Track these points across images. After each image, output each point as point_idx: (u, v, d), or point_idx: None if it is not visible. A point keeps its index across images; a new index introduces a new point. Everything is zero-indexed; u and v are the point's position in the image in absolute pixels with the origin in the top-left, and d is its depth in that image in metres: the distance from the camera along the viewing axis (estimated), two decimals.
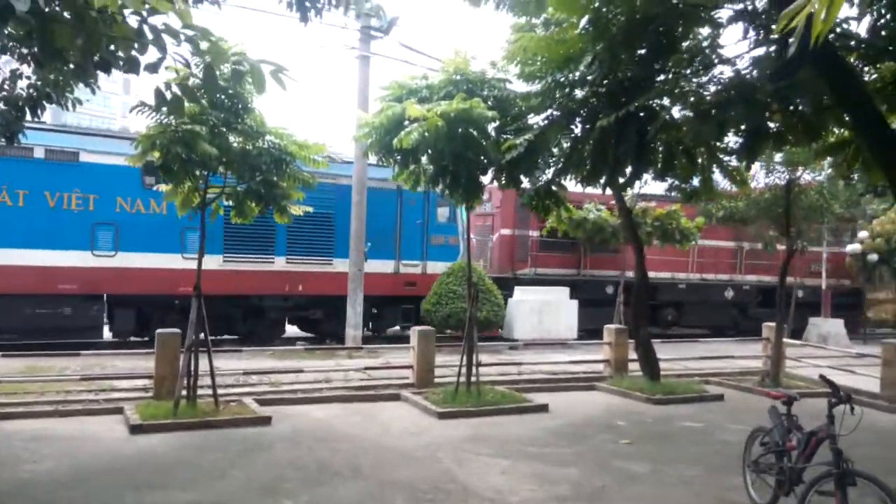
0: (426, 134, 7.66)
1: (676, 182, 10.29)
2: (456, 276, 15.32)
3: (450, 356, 10.61)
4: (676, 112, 8.05)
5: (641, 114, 7.73)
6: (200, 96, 7.19)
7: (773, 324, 12.31)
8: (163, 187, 7.73)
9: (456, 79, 8.57)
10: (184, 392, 7.45)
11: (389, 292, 15.32)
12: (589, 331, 15.38)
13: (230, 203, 7.86)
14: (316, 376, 10.03)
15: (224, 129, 7.41)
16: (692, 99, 7.47)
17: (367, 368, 10.03)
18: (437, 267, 15.82)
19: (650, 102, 7.57)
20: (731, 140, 9.11)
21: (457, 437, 6.99)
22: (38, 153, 12.19)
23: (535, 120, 8.81)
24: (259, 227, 12.36)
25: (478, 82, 8.62)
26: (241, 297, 13.80)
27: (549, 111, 8.49)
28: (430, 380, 9.58)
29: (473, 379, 8.66)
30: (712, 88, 8.02)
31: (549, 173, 8.67)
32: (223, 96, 7.43)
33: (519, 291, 16.24)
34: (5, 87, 6.65)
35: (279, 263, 14.17)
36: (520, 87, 8.84)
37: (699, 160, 8.71)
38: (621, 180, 9.09)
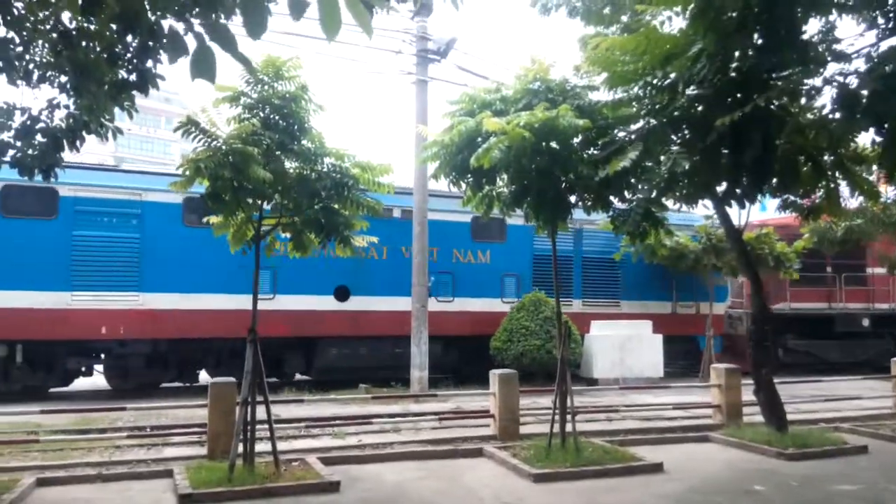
0: (509, 149, 6.63)
1: (790, 198, 9.08)
2: (527, 310, 14.15)
3: (526, 399, 9.39)
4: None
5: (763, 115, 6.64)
6: (254, 114, 6.46)
7: None
8: (213, 219, 6.89)
9: (534, 88, 7.56)
10: (240, 450, 6.50)
11: (663, 331, 15.57)
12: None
13: (287, 235, 6.96)
14: (383, 425, 8.98)
15: (279, 153, 6.58)
16: (833, 91, 6.21)
17: (441, 418, 8.88)
18: (702, 307, 16.57)
19: (769, 103, 6.40)
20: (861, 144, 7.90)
21: None
22: (396, 213, 13.78)
23: (624, 134, 7.73)
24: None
25: (559, 91, 7.58)
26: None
27: (645, 120, 7.38)
28: (515, 431, 8.38)
29: (569, 430, 7.43)
30: (826, 88, 6.82)
31: (646, 192, 7.46)
32: (277, 116, 6.61)
33: (596, 326, 14.89)
34: (42, 117, 6.01)
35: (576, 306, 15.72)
36: (602, 96, 7.78)
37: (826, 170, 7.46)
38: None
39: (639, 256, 15.43)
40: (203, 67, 2.44)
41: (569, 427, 7.45)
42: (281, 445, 7.72)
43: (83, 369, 12.56)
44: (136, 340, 12.20)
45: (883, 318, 18.26)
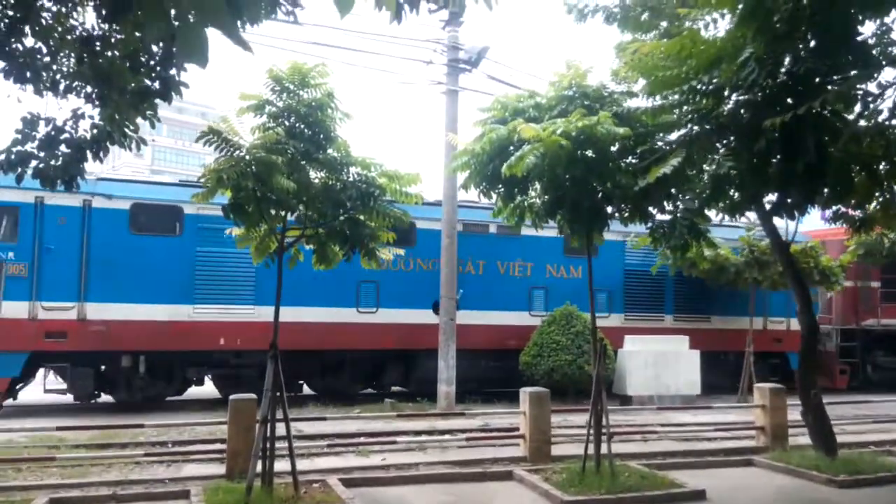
0: (544, 157, 6.30)
1: (841, 209, 8.60)
2: (558, 324, 13.73)
3: (557, 417, 8.98)
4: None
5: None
6: (279, 123, 6.24)
7: None
8: (235, 231, 6.68)
9: (570, 94, 7.23)
10: (259, 469, 6.23)
11: (757, 348, 15.46)
12: None
13: (311, 247, 6.71)
14: (409, 443, 8.66)
15: (303, 162, 6.34)
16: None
17: (468, 437, 8.52)
18: (791, 323, 16.49)
19: (822, 108, 5.98)
20: None
21: None
22: (492, 229, 14.30)
23: (666, 142, 7.36)
24: None
25: (596, 97, 7.24)
26: None
27: (689, 127, 7.00)
28: (547, 452, 7.99)
29: (604, 452, 7.03)
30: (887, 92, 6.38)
31: (689, 201, 7.06)
32: (302, 125, 6.38)
33: (630, 341, 14.39)
34: (67, 127, 5.88)
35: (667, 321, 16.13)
36: (640, 103, 7.41)
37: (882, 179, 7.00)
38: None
39: (677, 269, 14.98)
40: (190, 47, 2.14)
41: (604, 449, 7.06)
42: (302, 464, 7.48)
43: (195, 379, 13.11)
44: (250, 351, 12.50)
45: None
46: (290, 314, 11.71)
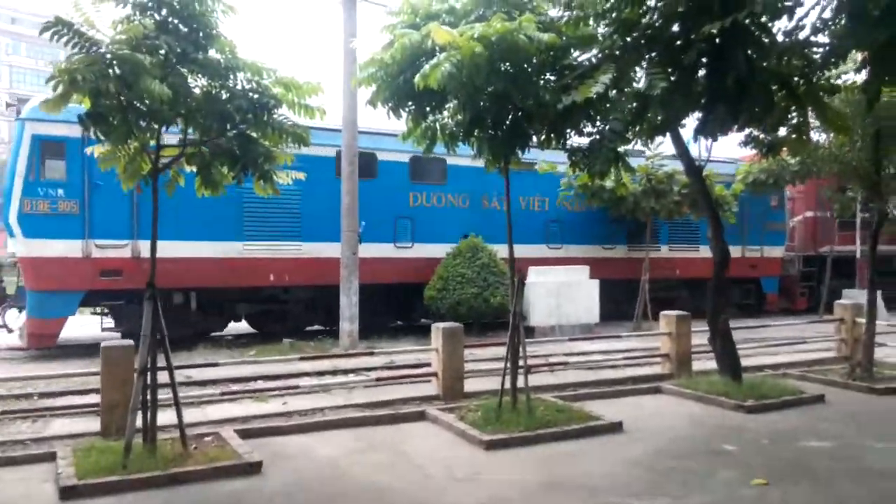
0: (461, 67, 5.59)
1: (753, 132, 8.49)
2: (464, 256, 13.37)
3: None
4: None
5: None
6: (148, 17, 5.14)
7: (848, 302, 10.64)
8: (98, 150, 5.58)
9: None
10: (139, 425, 5.41)
11: (735, 273, 16.17)
12: None
13: (193, 169, 5.73)
14: (312, 386, 8.03)
15: (180, 67, 5.29)
16: None
17: (377, 379, 7.98)
18: (772, 251, 18.32)
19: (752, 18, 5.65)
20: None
21: (522, 482, 5.04)
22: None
23: (586, 56, 6.84)
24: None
25: (517, 4, 6.53)
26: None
27: (611, 40, 6.49)
28: (460, 390, 7.62)
29: (520, 389, 6.71)
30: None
31: (616, 122, 6.59)
32: (176, 19, 5.30)
33: (534, 272, 14.28)
34: None
35: (664, 251, 17.13)
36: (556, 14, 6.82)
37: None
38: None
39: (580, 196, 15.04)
40: None
41: (520, 383, 6.73)
42: (192, 415, 6.72)
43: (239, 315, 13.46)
44: (297, 287, 13.13)
45: None
46: (334, 250, 12.40)
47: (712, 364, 8.56)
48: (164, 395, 5.67)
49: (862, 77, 7.29)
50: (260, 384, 8.77)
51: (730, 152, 16.13)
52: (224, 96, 5.37)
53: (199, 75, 5.46)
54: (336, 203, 12.32)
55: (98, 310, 12.54)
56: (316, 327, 14.01)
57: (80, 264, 11.08)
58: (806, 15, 5.86)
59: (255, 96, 5.37)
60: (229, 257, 12.20)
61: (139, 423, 5.38)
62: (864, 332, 8.81)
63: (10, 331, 12.51)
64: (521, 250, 13.61)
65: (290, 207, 12.65)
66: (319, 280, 12.73)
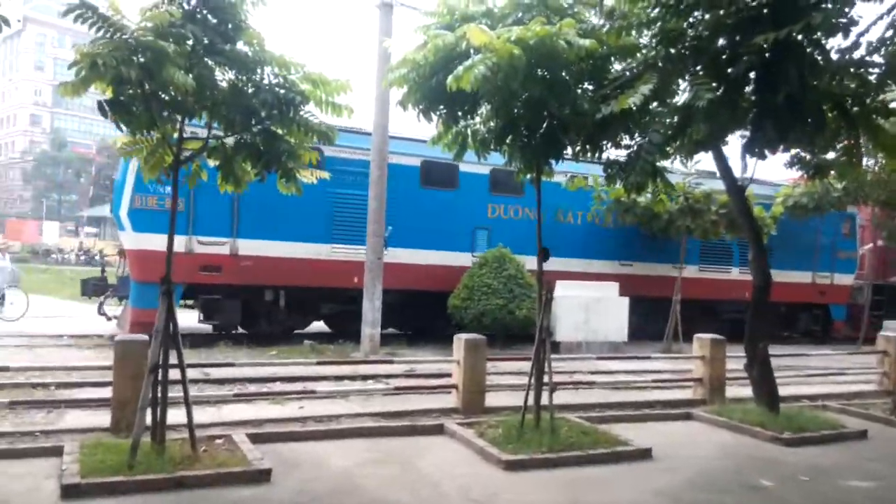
0: (497, 70, 5.36)
1: (800, 153, 8.14)
2: (490, 266, 13.09)
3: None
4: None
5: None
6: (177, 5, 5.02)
7: (891, 334, 10.12)
8: (120, 140, 5.48)
9: (527, 1, 6.26)
10: (148, 425, 5.25)
11: (805, 299, 17.46)
12: None
13: (216, 163, 5.58)
14: (329, 392, 7.83)
15: (206, 58, 5.15)
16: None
17: (396, 388, 7.74)
18: (842, 279, 18.15)
19: (806, 33, 5.31)
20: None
21: None
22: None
23: (627, 67, 6.55)
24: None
25: (557, 10, 6.29)
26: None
27: (655, 50, 6.21)
28: (481, 404, 7.35)
29: (544, 407, 6.42)
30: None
31: (657, 135, 6.28)
32: (205, 9, 5.16)
33: (561, 286, 13.93)
34: None
35: (734, 273, 17.08)
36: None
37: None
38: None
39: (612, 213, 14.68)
40: None
41: (543, 400, 6.45)
42: (206, 415, 6.57)
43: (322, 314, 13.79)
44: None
45: None
46: (416, 257, 13.14)
47: (747, 391, 8.17)
48: (179, 393, 5.51)
49: None
50: (278, 386, 8.62)
51: (768, 174, 15.61)
52: (250, 90, 5.21)
53: (227, 68, 5.32)
54: (420, 210, 13.13)
55: (188, 303, 12.81)
56: (390, 330, 14.18)
57: (182, 259, 11.19)
58: (865, 32, 5.53)
59: (282, 91, 5.20)
60: (319, 258, 12.63)
61: (149, 420, 5.23)
62: None
63: (108, 318, 13.02)
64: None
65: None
66: (398, 284, 12.90)
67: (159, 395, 5.24)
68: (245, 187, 5.79)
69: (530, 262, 13.78)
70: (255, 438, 5.90)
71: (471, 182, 13.91)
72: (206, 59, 5.17)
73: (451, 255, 13.67)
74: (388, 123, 11.63)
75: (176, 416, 5.54)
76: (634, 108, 5.51)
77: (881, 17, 5.69)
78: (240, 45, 5.31)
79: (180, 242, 11.40)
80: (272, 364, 8.45)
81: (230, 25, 5.21)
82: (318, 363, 7.77)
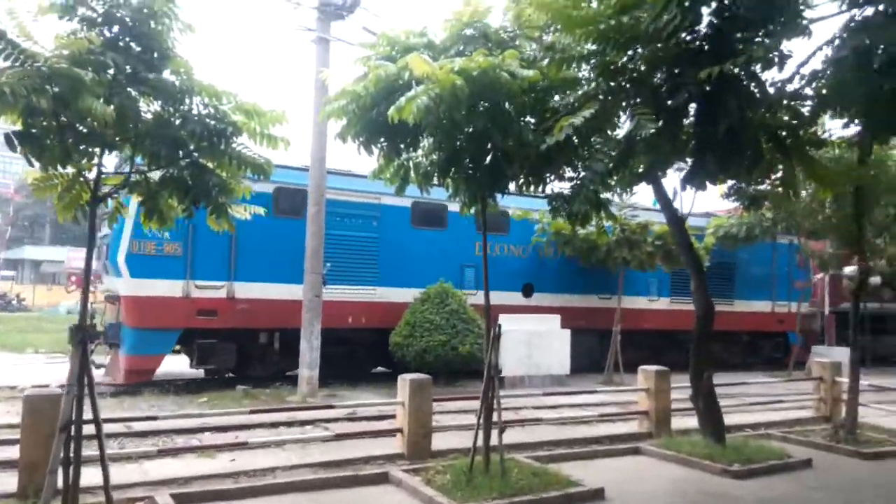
0: (439, 101, 5.21)
1: (737, 184, 8.30)
2: (432, 302, 12.82)
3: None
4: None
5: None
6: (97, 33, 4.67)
7: (827, 360, 10.37)
8: (30, 176, 5.02)
9: (469, 34, 6.17)
10: (60, 489, 4.70)
11: (765, 328, 18.11)
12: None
13: (140, 199, 5.17)
14: (265, 435, 7.33)
15: (129, 88, 4.78)
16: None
17: (337, 435, 7.30)
18: (791, 307, 18.48)
19: (746, 65, 5.39)
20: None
21: None
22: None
23: (569, 101, 6.52)
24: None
25: (497, 42, 6.23)
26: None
27: (596, 82, 6.20)
28: (427, 448, 7.03)
29: (494, 448, 6.15)
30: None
31: (601, 164, 6.23)
32: (128, 37, 4.82)
33: (504, 320, 13.76)
34: None
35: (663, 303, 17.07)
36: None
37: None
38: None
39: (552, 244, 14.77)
40: None
41: (493, 441, 6.19)
42: (127, 474, 5.99)
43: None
44: (369, 329, 13.36)
45: None
46: (401, 295, 13.16)
47: (692, 422, 8.15)
48: (96, 451, 4.97)
49: (847, 133, 7.19)
50: (207, 437, 8.07)
51: (698, 206, 16.01)
52: (177, 121, 4.87)
53: (151, 98, 4.97)
54: (410, 251, 13.43)
55: (176, 348, 12.46)
56: (379, 369, 14.30)
57: (180, 304, 11.50)
58: (803, 64, 5.65)
59: (212, 122, 4.87)
60: None
61: (61, 484, 4.69)
62: (847, 393, 8.47)
63: (97, 367, 12.08)
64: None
65: (368, 253, 13.27)
66: (390, 323, 13.09)
67: (72, 454, 4.72)
68: (172, 223, 5.37)
69: (513, 297, 14.85)
70: (181, 499, 5.40)
71: (458, 221, 13.58)
72: (128, 89, 4.81)
73: None
74: (326, 156, 11.33)
75: (93, 476, 5.01)
76: (574, 132, 5.43)
77: (819, 49, 5.83)
78: (166, 74, 4.98)
79: (178, 287, 11.53)
80: (201, 415, 7.87)
81: (155, 54, 4.87)
82: (251, 412, 7.24)
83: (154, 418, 6.87)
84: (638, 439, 8.17)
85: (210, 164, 5.15)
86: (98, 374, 12.04)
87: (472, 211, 6.81)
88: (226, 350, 11.94)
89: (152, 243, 11.39)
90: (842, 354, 16.92)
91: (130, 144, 4.96)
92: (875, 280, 15.96)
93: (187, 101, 4.93)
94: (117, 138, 4.84)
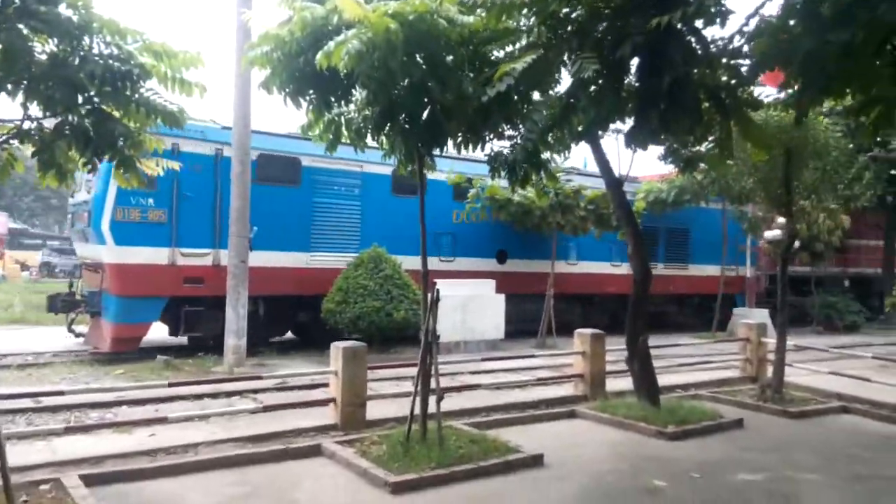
0: (372, 47, 4.80)
1: (673, 146, 8.24)
2: (366, 267, 12.44)
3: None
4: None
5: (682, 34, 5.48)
6: None
7: (752, 322, 10.64)
8: None
9: None
10: None
11: (714, 290, 18.18)
12: None
13: (34, 150, 4.58)
14: (186, 416, 6.86)
15: (17, 22, 4.17)
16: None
17: (265, 407, 6.91)
18: (745, 271, 19.48)
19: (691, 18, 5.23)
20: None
21: None
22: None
23: (509, 51, 6.22)
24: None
25: None
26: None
27: (539, 31, 5.91)
28: (362, 418, 6.75)
29: (431, 416, 5.94)
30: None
31: (542, 117, 5.96)
32: None
33: (441, 285, 13.55)
34: None
35: (660, 269, 17.30)
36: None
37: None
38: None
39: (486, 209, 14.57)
40: None
41: (430, 408, 5.97)
42: (34, 455, 5.47)
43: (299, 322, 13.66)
44: None
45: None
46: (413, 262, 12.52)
47: (625, 383, 8.18)
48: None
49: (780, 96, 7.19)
50: (124, 411, 7.55)
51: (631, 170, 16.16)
52: (75, 61, 4.29)
53: (46, 37, 4.36)
54: (391, 218, 13.40)
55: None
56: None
57: (166, 271, 11.42)
58: (753, 15, 5.50)
59: (116, 64, 4.32)
60: (298, 267, 12.68)
61: None
62: (775, 353, 8.68)
63: (77, 336, 12.23)
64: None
65: (351, 219, 13.40)
66: None
67: None
68: (71, 181, 4.81)
69: (487, 264, 15.19)
70: (92, 480, 4.95)
71: (437, 190, 13.79)
72: (18, 25, 4.20)
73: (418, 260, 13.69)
74: (251, 112, 10.67)
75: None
76: (514, 84, 5.14)
77: (763, 6, 5.71)
78: (62, 9, 4.38)
79: (163, 254, 11.44)
80: (114, 389, 7.32)
81: None
82: (170, 385, 6.73)
83: (61, 393, 6.28)
84: (574, 402, 8.15)
85: (116, 113, 4.61)
86: (77, 343, 12.22)
87: (409, 170, 6.46)
88: (213, 318, 11.68)
89: (137, 210, 11.24)
90: (762, 316, 17.73)
91: (23, 89, 4.37)
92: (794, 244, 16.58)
93: (86, 39, 4.36)
94: (6, 81, 4.24)
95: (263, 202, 11.92)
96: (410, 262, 13.18)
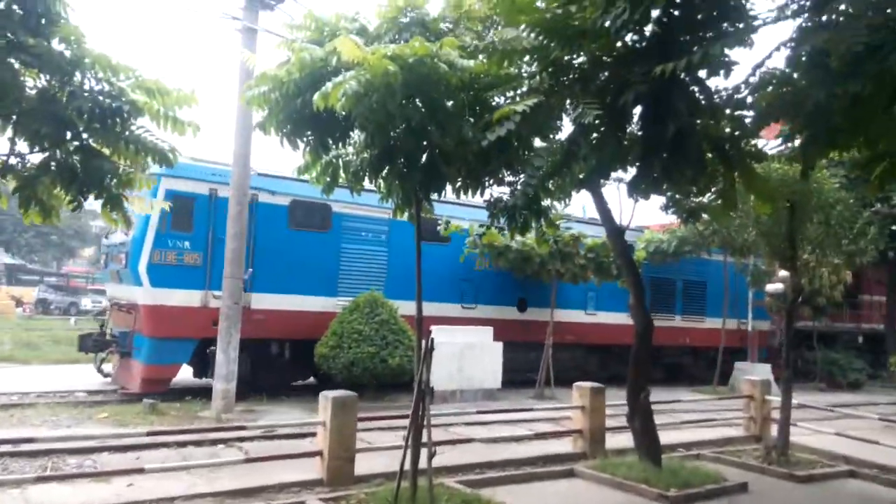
0: (370, 89, 4.71)
1: (676, 196, 8.12)
2: (361, 311, 12.20)
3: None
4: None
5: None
6: None
7: (755, 378, 10.37)
8: None
9: (404, 21, 5.71)
10: None
11: (730, 344, 17.94)
12: None
13: (16, 185, 4.43)
14: (170, 456, 6.55)
15: (9, 56, 4.09)
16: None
17: (248, 459, 6.59)
18: (760, 325, 19.40)
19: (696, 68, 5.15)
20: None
21: None
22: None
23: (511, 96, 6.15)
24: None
25: (437, 33, 5.78)
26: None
27: (541, 77, 5.84)
28: (350, 473, 6.43)
29: (422, 471, 5.64)
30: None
31: (543, 162, 5.84)
32: (14, 4, 4.13)
33: (435, 331, 13.29)
34: None
35: (677, 321, 18.17)
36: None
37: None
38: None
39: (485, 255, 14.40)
40: None
41: (421, 464, 5.68)
42: (10, 502, 5.17)
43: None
44: None
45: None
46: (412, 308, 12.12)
47: (626, 439, 7.86)
48: None
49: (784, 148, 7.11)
50: (104, 458, 7.24)
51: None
52: (65, 96, 4.19)
53: (37, 72, 4.28)
54: (414, 264, 13.39)
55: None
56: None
57: (198, 313, 11.46)
58: (759, 66, 5.42)
59: (106, 100, 4.22)
60: (325, 311, 12.62)
61: None
62: (780, 412, 8.38)
63: (105, 375, 12.39)
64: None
65: (378, 264, 13.51)
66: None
67: None
68: (57, 218, 4.65)
69: (511, 312, 15.28)
70: None
71: (459, 237, 14.12)
72: (9, 59, 4.12)
73: (441, 306, 14.00)
74: (251, 153, 10.63)
75: None
76: (515, 129, 5.03)
77: (777, 49, 5.65)
78: (55, 44, 4.31)
79: (196, 297, 11.52)
80: (87, 437, 7.04)
81: (43, 19, 4.20)
82: (148, 433, 6.45)
83: (32, 440, 5.99)
84: (573, 460, 7.82)
85: (105, 150, 4.49)
86: (104, 383, 12.38)
87: (406, 215, 6.32)
88: (240, 360, 11.40)
89: (173, 253, 11.44)
90: (764, 371, 17.38)
91: (12, 124, 4.26)
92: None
93: (78, 74, 4.27)
94: None
95: (296, 249, 12.33)
96: (433, 309, 13.29)
